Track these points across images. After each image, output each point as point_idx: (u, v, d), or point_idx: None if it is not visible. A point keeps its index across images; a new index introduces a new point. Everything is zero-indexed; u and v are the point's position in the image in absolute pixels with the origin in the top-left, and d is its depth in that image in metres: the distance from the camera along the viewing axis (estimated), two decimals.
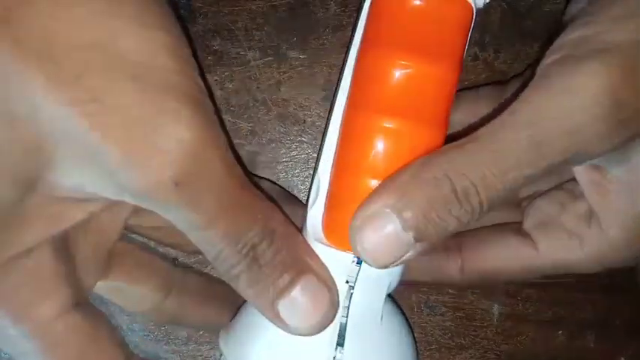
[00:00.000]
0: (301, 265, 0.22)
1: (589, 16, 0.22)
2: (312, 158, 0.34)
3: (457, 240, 0.28)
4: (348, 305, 0.22)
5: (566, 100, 0.20)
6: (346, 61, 0.24)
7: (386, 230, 0.20)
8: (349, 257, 0.22)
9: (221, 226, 0.20)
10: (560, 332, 0.35)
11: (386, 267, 0.20)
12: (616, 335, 0.35)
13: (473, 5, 0.21)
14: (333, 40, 0.34)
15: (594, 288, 0.34)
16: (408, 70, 0.20)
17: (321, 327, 0.21)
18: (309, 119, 0.34)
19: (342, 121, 0.23)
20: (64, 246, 0.21)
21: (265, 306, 0.21)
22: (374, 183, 0.21)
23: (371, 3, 0.22)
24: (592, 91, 0.20)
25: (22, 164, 0.19)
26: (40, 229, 0.20)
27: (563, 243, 0.26)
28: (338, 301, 0.22)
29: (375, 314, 0.22)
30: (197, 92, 0.20)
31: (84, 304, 0.22)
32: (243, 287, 0.21)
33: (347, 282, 0.22)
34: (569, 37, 0.22)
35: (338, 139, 0.23)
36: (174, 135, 0.19)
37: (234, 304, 0.27)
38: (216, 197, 0.20)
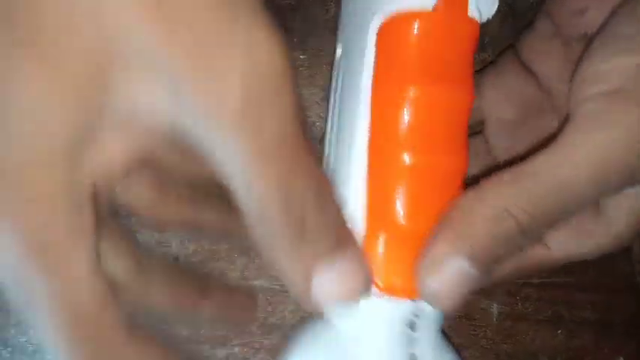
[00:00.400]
0: (343, 236, 0.20)
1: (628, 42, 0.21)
2: None
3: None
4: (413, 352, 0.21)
5: (622, 136, 0.20)
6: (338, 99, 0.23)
7: (455, 274, 0.20)
8: (407, 304, 0.21)
9: (275, 172, 0.18)
10: (560, 331, 0.35)
11: (455, 308, 0.20)
12: (615, 335, 0.35)
13: (478, 21, 0.21)
14: (333, 40, 0.34)
15: (594, 287, 0.34)
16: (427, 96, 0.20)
17: (353, 304, 0.20)
18: (309, 119, 0.34)
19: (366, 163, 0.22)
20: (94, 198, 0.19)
21: (299, 278, 0.19)
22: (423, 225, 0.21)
23: (377, 37, 0.21)
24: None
25: (90, 83, 0.18)
26: (96, 166, 0.19)
27: (574, 240, 0.26)
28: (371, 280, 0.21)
29: (439, 351, 0.22)
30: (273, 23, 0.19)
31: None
32: (279, 254, 0.19)
33: (409, 326, 0.21)
34: (608, 66, 0.21)
35: (366, 186, 0.21)
36: (251, 56, 0.17)
37: (204, 295, 0.26)
38: (279, 135, 0.18)
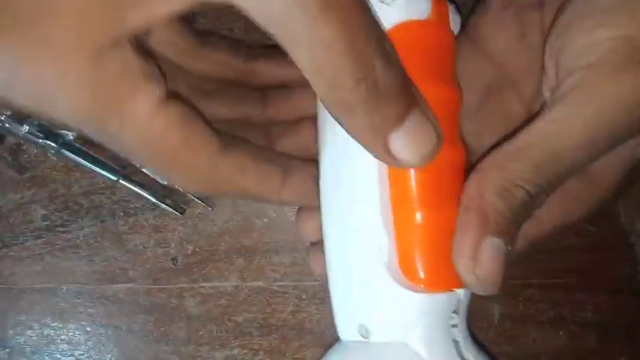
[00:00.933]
0: (412, 95, 0.20)
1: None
2: None
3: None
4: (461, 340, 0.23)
5: (610, 107, 0.21)
6: None
7: (493, 254, 0.21)
8: (450, 296, 0.22)
9: (346, 33, 0.18)
10: (561, 333, 0.35)
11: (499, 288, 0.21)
12: (617, 336, 0.35)
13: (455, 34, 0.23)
14: None
15: (595, 288, 0.34)
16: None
17: (430, 159, 0.21)
18: None
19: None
20: (141, 45, 0.20)
21: (376, 139, 0.20)
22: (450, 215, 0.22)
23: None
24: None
25: None
26: (140, 12, 0.19)
27: (563, 208, 0.26)
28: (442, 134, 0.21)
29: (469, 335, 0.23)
30: None
31: (175, 99, 0.21)
32: (355, 119, 0.19)
33: (454, 311, 0.23)
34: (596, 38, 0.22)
35: (387, 188, 0.22)
36: None
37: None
38: None
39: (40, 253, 0.34)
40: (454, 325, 0.23)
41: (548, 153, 0.21)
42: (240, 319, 0.34)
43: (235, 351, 0.34)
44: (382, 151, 0.20)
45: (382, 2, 0.21)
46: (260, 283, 0.34)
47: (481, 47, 0.29)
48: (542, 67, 0.24)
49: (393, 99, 0.19)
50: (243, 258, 0.34)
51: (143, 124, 0.20)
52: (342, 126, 0.20)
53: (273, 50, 0.28)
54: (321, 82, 0.18)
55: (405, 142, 0.20)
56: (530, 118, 0.23)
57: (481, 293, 0.21)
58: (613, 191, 0.26)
